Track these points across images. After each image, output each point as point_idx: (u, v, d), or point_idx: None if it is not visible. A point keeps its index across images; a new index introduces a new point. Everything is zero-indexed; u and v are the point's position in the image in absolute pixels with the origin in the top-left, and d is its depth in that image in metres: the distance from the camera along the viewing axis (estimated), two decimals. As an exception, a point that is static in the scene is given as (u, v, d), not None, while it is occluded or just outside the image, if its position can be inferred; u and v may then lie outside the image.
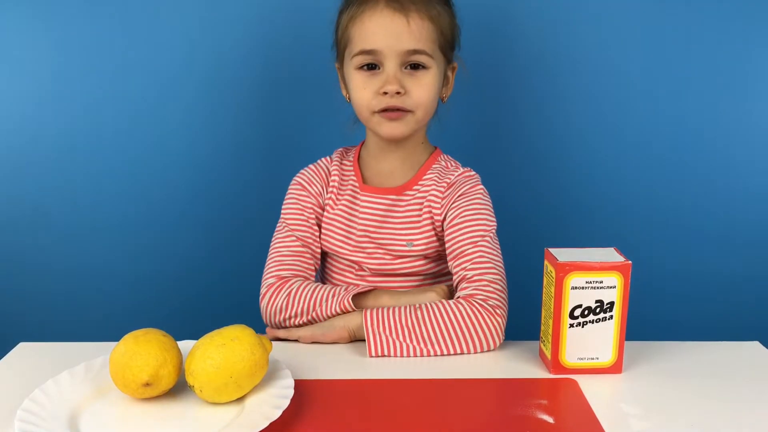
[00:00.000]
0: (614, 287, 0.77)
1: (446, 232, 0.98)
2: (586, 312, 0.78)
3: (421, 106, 0.96)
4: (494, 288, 0.90)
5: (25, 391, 0.71)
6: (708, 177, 1.30)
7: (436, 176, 1.01)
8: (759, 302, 1.33)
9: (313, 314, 0.93)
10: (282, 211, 1.04)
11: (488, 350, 0.87)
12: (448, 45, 0.99)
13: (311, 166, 1.06)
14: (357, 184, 1.03)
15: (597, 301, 0.77)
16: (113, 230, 1.30)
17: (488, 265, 0.93)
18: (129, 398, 0.72)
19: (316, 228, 1.03)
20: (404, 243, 0.99)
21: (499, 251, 0.96)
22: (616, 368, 0.80)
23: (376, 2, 0.94)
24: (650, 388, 0.76)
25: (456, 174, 1.01)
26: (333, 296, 0.92)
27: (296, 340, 0.92)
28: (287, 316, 0.94)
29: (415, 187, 1.01)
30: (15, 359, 0.83)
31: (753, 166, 1.29)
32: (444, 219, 0.99)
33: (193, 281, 1.33)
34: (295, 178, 1.06)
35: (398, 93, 0.93)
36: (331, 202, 1.03)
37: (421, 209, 1.00)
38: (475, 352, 0.87)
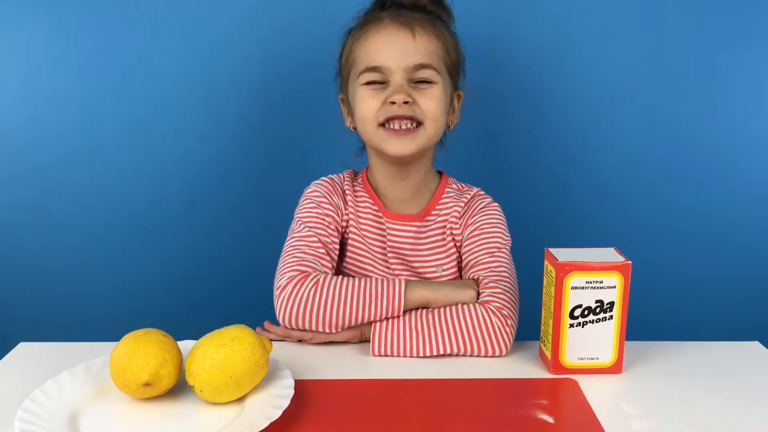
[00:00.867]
0: (614, 287, 0.77)
1: (464, 245, 0.97)
2: (586, 312, 0.78)
3: (431, 116, 0.92)
4: (508, 297, 0.89)
5: (25, 391, 0.71)
6: (708, 177, 1.30)
7: (451, 200, 1.00)
8: (759, 302, 1.33)
9: (350, 316, 0.86)
10: (298, 214, 0.99)
11: (495, 356, 0.86)
12: (454, 68, 0.97)
13: (326, 179, 1.02)
14: (377, 208, 0.99)
15: (597, 301, 0.77)
16: (113, 230, 1.30)
17: (504, 274, 0.92)
18: (129, 398, 0.72)
19: (336, 236, 0.98)
20: (434, 269, 0.98)
21: (513, 266, 0.96)
22: (616, 368, 0.80)
23: (380, 20, 0.93)
24: (650, 388, 0.77)
25: (471, 194, 1.00)
26: (378, 299, 0.86)
27: (300, 340, 0.90)
28: (312, 309, 0.86)
29: (434, 212, 0.99)
30: (15, 359, 0.83)
31: (753, 166, 1.29)
32: (462, 236, 0.98)
33: (194, 281, 1.33)
34: (313, 185, 1.01)
35: (406, 102, 0.90)
36: (353, 225, 0.99)
37: (444, 234, 0.99)
38: (483, 356, 0.86)
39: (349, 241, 1.00)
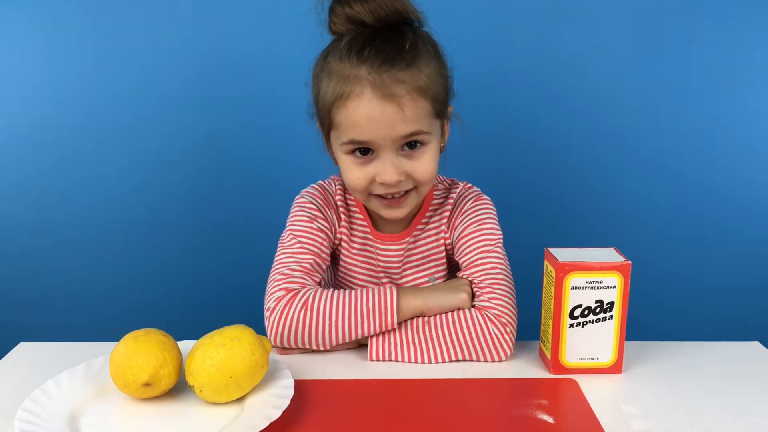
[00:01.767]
0: (614, 287, 0.77)
1: (456, 246, 0.94)
2: (586, 312, 0.78)
3: (424, 180, 0.88)
4: (505, 302, 0.87)
5: (25, 391, 0.71)
6: (708, 178, 1.30)
7: (439, 203, 0.97)
8: (759, 302, 1.33)
9: (342, 334, 0.85)
10: (290, 226, 0.94)
11: (496, 361, 0.85)
12: (442, 106, 0.89)
13: (319, 189, 0.98)
14: (368, 229, 0.97)
15: (597, 301, 0.77)
16: (113, 231, 1.30)
17: (500, 276, 0.89)
18: (129, 398, 0.72)
19: (328, 249, 0.94)
20: (427, 279, 0.97)
21: (507, 262, 0.93)
22: (616, 368, 0.80)
23: (362, 87, 0.82)
24: (650, 388, 0.77)
25: (457, 190, 0.97)
26: (370, 316, 0.85)
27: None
28: (303, 331, 0.84)
29: (423, 221, 0.97)
30: (15, 359, 0.83)
31: (753, 166, 1.29)
32: (452, 238, 0.95)
33: (194, 282, 1.33)
34: (306, 194, 0.97)
35: (399, 181, 0.86)
36: (345, 241, 0.97)
37: (436, 241, 0.97)
38: (484, 362, 0.85)
39: (342, 254, 0.98)
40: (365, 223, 0.97)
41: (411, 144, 0.85)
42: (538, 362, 0.83)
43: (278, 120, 1.28)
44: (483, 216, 0.94)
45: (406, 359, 0.84)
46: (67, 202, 1.29)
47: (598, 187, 1.30)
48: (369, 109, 0.82)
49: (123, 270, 1.32)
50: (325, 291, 0.87)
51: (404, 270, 0.97)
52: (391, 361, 0.84)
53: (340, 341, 0.85)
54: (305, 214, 0.94)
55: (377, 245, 0.97)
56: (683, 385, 0.77)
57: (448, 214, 0.96)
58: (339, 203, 0.97)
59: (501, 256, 0.92)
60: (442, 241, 0.97)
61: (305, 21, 1.22)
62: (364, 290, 0.87)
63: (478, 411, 0.71)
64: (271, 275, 0.90)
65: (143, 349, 0.70)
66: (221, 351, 0.69)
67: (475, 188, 0.99)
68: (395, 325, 0.85)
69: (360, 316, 0.85)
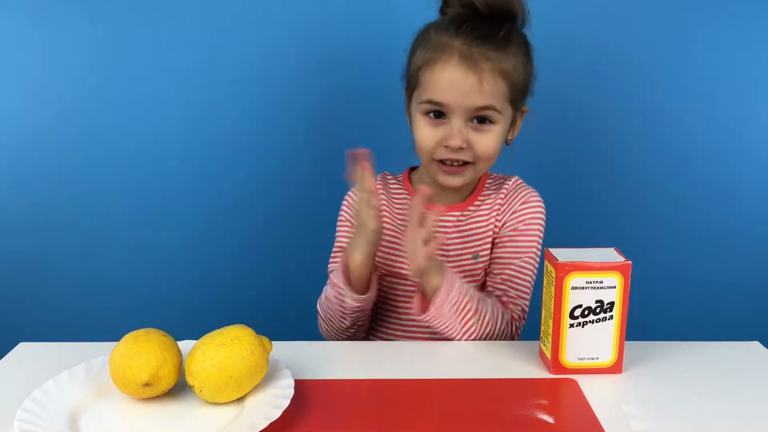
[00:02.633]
0: (614, 287, 0.77)
1: (501, 237, 1.00)
2: (586, 312, 0.78)
3: (483, 158, 0.95)
4: (523, 314, 0.98)
5: (25, 391, 0.71)
6: (708, 178, 1.30)
7: (492, 191, 1.03)
8: (759, 302, 1.33)
9: (335, 298, 0.94)
10: (336, 236, 1.05)
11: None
12: (520, 96, 0.97)
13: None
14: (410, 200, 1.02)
15: (597, 301, 0.77)
16: (113, 231, 1.31)
17: (528, 285, 0.99)
18: (129, 398, 0.72)
19: None
20: (470, 256, 1.00)
21: (538, 264, 1.01)
22: (616, 368, 0.80)
23: (450, 54, 0.91)
24: (650, 388, 0.76)
25: (511, 182, 1.03)
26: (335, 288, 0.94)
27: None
28: (331, 321, 0.97)
29: (476, 203, 1.02)
30: (15, 359, 0.83)
31: (753, 167, 1.29)
32: (502, 225, 1.01)
33: (194, 281, 1.33)
34: (346, 199, 1.06)
35: (461, 148, 0.93)
36: (387, 224, 1.02)
37: (487, 223, 1.01)
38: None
39: (384, 241, 1.01)
40: (410, 198, 1.02)
41: (480, 119, 0.93)
42: (538, 362, 0.83)
43: (279, 121, 1.28)
44: (532, 217, 1.00)
45: (446, 328, 0.90)
46: (67, 202, 1.29)
47: (598, 187, 1.31)
48: (452, 74, 0.91)
49: (123, 270, 1.32)
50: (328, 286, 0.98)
51: (450, 244, 1.01)
52: (439, 326, 0.90)
53: (338, 310, 0.95)
54: (342, 218, 1.04)
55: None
56: (683, 385, 0.77)
57: (501, 201, 1.02)
58: (379, 184, 1.03)
59: (535, 261, 1.00)
60: (492, 224, 1.01)
61: (306, 21, 1.24)
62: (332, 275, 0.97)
63: (478, 411, 0.71)
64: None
65: (143, 349, 0.70)
66: (221, 351, 0.69)
67: (525, 184, 1.04)
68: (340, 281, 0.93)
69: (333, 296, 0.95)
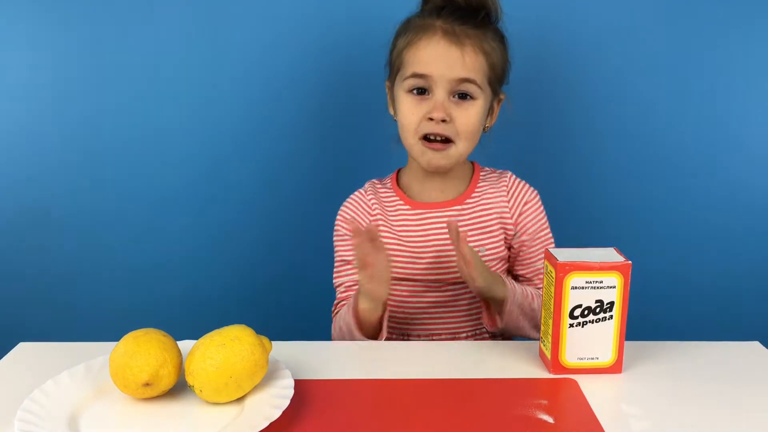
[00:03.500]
0: (614, 287, 0.77)
1: (522, 237, 1.03)
2: (586, 312, 0.78)
3: (464, 135, 0.97)
4: None
5: (24, 392, 0.71)
6: (708, 178, 1.30)
7: (489, 185, 1.05)
8: (759, 302, 1.33)
9: (347, 330, 0.96)
10: (335, 250, 1.07)
11: None
12: (497, 79, 1.00)
13: (349, 201, 1.08)
14: (407, 207, 1.04)
15: (597, 301, 0.77)
16: (113, 230, 1.31)
17: None
18: (129, 398, 0.72)
19: None
20: (477, 249, 1.01)
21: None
22: (616, 368, 0.80)
23: (433, 32, 0.96)
24: (650, 388, 0.77)
25: (507, 177, 1.05)
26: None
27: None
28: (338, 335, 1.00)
29: (474, 195, 1.04)
30: (15, 359, 0.83)
31: (753, 166, 1.29)
32: (516, 228, 1.03)
33: (193, 282, 1.33)
34: (340, 213, 1.07)
35: (444, 121, 0.95)
36: (385, 229, 1.03)
37: (489, 215, 1.03)
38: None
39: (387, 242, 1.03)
40: (407, 206, 1.04)
41: (462, 95, 0.96)
42: (538, 362, 0.83)
43: (279, 120, 1.28)
44: (541, 211, 1.06)
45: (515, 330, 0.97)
46: (66, 202, 1.29)
47: (598, 187, 1.31)
48: (435, 48, 0.95)
49: (123, 270, 1.32)
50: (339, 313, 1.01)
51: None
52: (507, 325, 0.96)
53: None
54: (343, 235, 1.06)
55: (425, 214, 1.03)
56: (683, 385, 0.77)
57: (506, 199, 1.03)
58: (369, 192, 1.06)
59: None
60: (498, 221, 1.03)
61: (306, 19, 1.24)
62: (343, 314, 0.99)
63: (478, 411, 0.71)
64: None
65: (143, 349, 0.70)
66: (221, 351, 0.69)
67: (521, 179, 1.07)
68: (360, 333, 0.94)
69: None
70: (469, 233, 1.02)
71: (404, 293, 1.04)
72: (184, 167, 1.29)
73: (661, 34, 1.24)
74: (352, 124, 1.29)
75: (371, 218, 1.05)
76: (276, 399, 0.69)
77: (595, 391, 0.76)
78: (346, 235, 1.05)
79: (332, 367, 0.81)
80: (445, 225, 1.01)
